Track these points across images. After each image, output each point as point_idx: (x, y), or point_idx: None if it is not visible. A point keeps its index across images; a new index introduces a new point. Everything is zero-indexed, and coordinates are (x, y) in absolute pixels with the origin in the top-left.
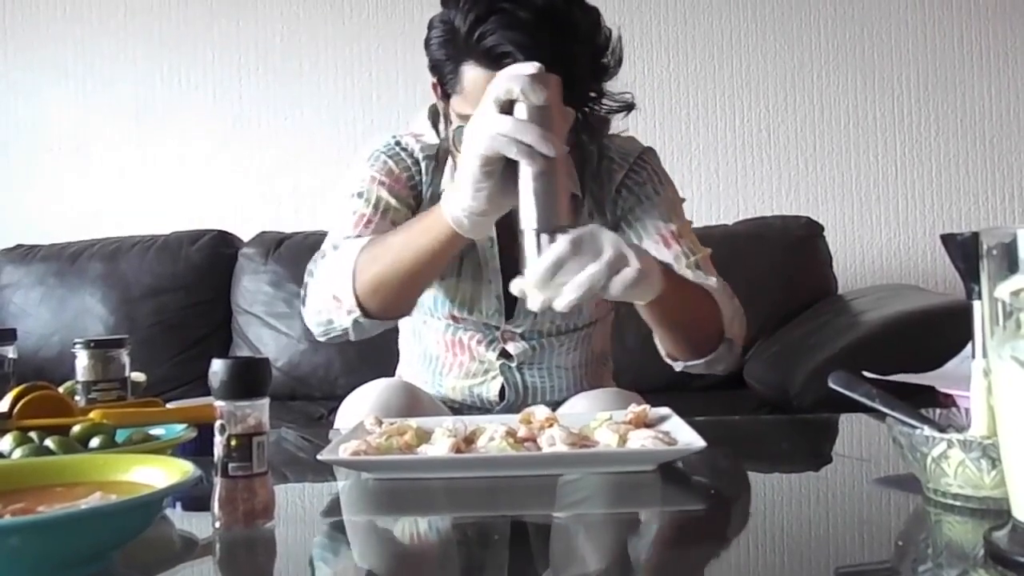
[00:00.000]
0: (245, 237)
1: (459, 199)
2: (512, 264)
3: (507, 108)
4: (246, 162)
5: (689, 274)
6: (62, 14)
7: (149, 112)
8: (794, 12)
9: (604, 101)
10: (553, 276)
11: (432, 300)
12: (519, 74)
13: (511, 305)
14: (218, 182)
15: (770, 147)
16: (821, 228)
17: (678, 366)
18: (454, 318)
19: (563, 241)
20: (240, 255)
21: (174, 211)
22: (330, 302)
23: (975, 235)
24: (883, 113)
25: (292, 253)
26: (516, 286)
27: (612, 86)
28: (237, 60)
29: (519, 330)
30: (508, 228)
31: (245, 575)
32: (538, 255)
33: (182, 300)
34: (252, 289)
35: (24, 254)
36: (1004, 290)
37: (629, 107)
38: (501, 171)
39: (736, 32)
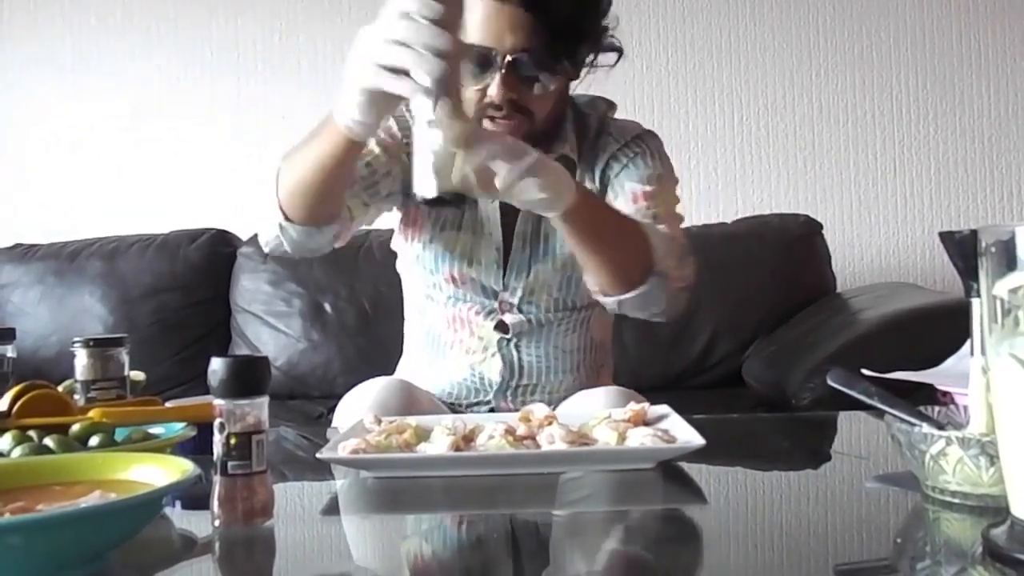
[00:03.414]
0: (244, 236)
1: (345, 110)
2: (513, 218)
3: None
4: (245, 160)
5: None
6: (60, 11)
7: (147, 110)
8: (793, 10)
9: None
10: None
11: (433, 258)
12: None
13: (508, 258)
14: (217, 181)
15: (768, 145)
16: (820, 226)
17: (609, 302)
18: (454, 279)
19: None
20: (239, 254)
21: (173, 210)
22: (269, 213)
23: (973, 233)
24: (882, 111)
25: None
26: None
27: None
28: (235, 58)
29: (515, 299)
30: None
31: (244, 574)
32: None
33: (181, 299)
34: (251, 288)
35: (23, 253)
36: (1002, 287)
37: (617, 51)
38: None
39: (735, 30)
